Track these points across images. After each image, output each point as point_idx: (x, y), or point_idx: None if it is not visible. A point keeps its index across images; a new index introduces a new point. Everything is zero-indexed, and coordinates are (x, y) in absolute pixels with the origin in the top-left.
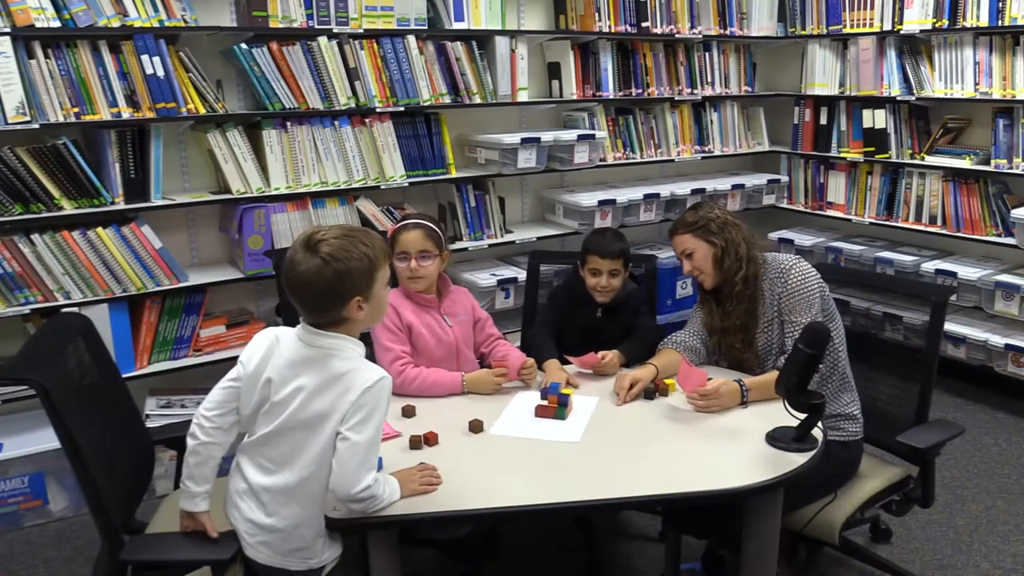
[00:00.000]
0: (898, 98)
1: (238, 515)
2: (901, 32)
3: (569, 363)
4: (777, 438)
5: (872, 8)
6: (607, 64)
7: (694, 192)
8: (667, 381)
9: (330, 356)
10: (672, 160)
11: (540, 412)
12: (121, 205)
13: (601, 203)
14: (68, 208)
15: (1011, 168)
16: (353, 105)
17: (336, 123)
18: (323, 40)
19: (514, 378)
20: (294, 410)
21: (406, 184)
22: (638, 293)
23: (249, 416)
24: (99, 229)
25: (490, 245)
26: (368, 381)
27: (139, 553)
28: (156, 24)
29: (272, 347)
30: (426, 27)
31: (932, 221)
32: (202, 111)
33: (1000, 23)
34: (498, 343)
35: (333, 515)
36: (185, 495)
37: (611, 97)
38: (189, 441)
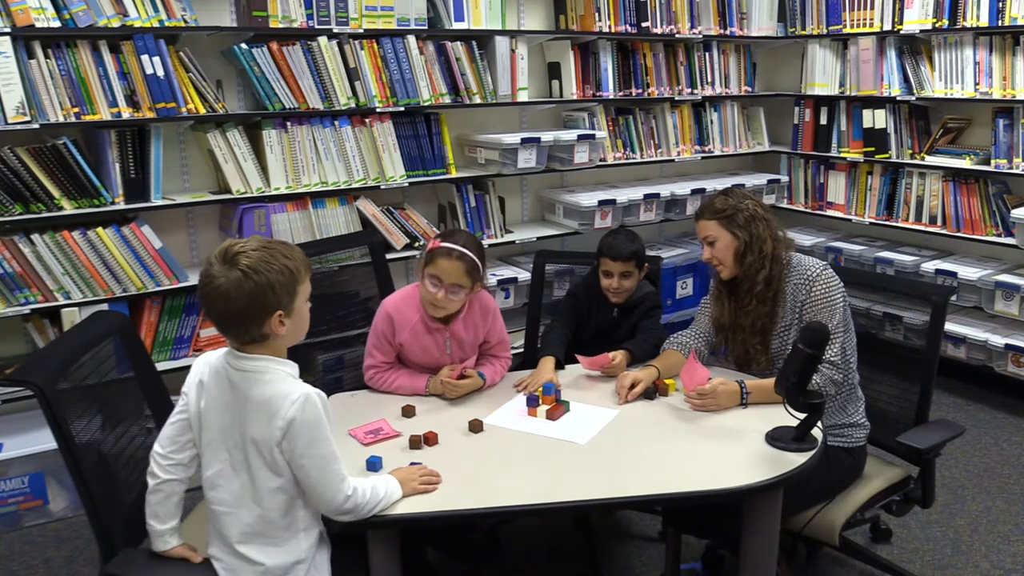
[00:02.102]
0: (898, 98)
1: (216, 552)
2: (901, 32)
3: (576, 362)
4: (777, 438)
5: (872, 8)
6: (607, 64)
7: (694, 192)
8: (667, 381)
9: (254, 381)
10: (672, 160)
11: (551, 415)
12: (121, 205)
13: (601, 203)
14: (68, 208)
15: (1011, 168)
16: (353, 105)
17: (336, 123)
18: (323, 40)
19: (455, 375)
20: (232, 448)
21: (406, 184)
22: (654, 296)
23: (199, 450)
24: (99, 229)
25: (490, 245)
26: (293, 405)
27: (123, 569)
28: (156, 24)
29: (205, 375)
30: (426, 27)
31: (932, 221)
32: (202, 111)
33: (1000, 23)
34: (490, 357)
35: (335, 517)
36: (153, 536)
37: (611, 97)
38: (149, 480)
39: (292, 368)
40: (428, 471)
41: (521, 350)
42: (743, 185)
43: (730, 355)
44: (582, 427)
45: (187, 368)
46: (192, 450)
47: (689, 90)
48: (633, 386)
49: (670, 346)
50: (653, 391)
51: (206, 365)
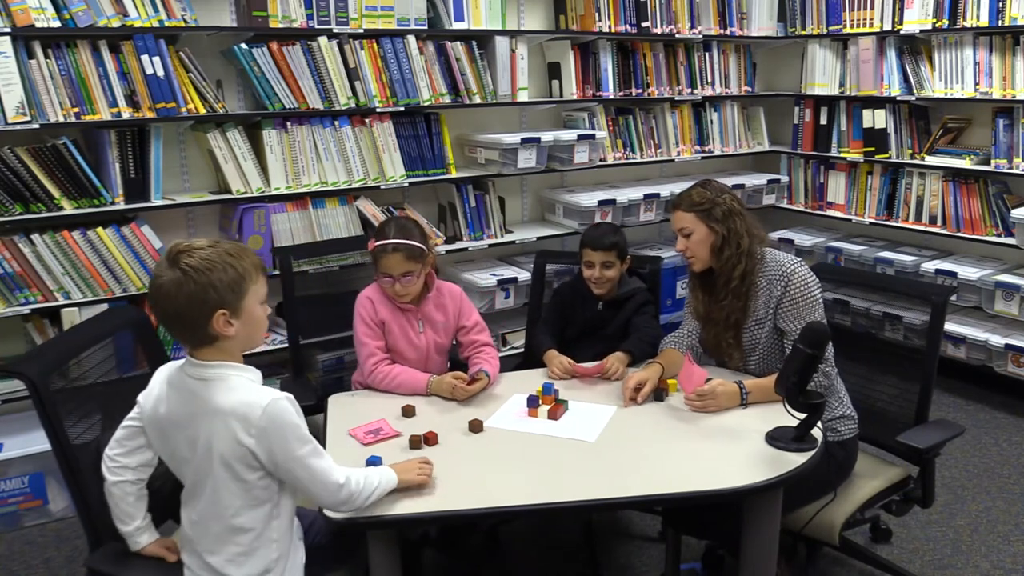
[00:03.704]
0: (898, 98)
1: (187, 560)
2: (901, 32)
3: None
4: (777, 438)
5: (872, 8)
6: (607, 64)
7: None
8: (669, 381)
9: (216, 389)
10: (672, 160)
11: (552, 414)
12: (121, 205)
13: (601, 203)
14: (68, 208)
15: (1011, 168)
16: (353, 105)
17: (336, 123)
18: (323, 40)
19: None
20: (199, 460)
21: (406, 184)
22: (644, 293)
23: (168, 463)
24: (99, 229)
25: (490, 245)
26: (263, 413)
27: (99, 563)
28: (156, 24)
29: (163, 387)
30: (426, 27)
31: (932, 221)
32: (202, 111)
33: (1000, 23)
34: (479, 352)
35: (333, 515)
36: (124, 537)
37: (611, 97)
38: (104, 484)
39: (254, 374)
40: (423, 458)
41: (521, 350)
42: (743, 185)
43: (704, 345)
44: (586, 425)
45: None
46: (142, 455)
47: (689, 90)
48: (639, 387)
49: (668, 344)
50: (662, 392)
51: (165, 377)
